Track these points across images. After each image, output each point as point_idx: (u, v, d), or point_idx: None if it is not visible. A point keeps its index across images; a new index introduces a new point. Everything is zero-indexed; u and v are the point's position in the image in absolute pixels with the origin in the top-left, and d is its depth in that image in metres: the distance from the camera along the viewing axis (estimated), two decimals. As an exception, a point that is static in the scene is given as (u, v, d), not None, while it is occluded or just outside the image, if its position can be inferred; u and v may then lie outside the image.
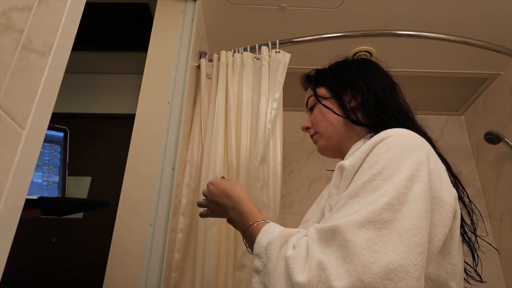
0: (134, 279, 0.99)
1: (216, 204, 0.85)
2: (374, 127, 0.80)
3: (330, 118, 0.87)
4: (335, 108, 0.86)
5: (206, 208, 0.91)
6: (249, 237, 0.71)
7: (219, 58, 1.53)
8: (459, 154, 2.24)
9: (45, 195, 0.86)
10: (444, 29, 1.62)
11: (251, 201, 0.79)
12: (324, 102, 0.88)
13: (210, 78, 1.54)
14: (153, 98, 1.36)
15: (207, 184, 0.89)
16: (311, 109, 0.93)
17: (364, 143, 0.76)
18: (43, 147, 0.89)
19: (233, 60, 1.50)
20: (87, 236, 1.87)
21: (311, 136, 0.93)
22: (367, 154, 0.64)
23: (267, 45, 1.50)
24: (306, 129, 0.94)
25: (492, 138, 1.90)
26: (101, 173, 2.06)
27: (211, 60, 1.57)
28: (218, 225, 1.24)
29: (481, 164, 2.17)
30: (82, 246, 1.85)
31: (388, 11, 1.68)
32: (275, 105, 1.38)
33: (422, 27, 1.65)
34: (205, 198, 0.89)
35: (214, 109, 1.42)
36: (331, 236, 0.56)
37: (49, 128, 0.92)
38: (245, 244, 0.76)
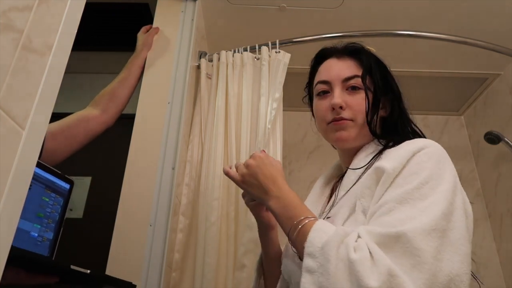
0: (134, 279, 0.99)
1: (256, 182, 0.77)
2: (380, 137, 0.81)
3: (364, 113, 0.80)
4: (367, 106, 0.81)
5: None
6: (298, 233, 0.66)
7: (219, 58, 1.53)
8: (459, 154, 2.24)
9: (35, 251, 0.81)
10: (444, 29, 1.62)
11: (295, 193, 0.75)
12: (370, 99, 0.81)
13: (210, 78, 1.54)
14: (153, 98, 1.36)
15: (256, 156, 0.80)
16: (353, 89, 0.82)
17: (376, 149, 0.78)
18: (48, 196, 0.85)
19: (233, 60, 1.51)
20: (87, 236, 1.87)
21: (340, 119, 0.80)
22: (407, 161, 0.66)
23: (267, 45, 1.50)
24: (340, 108, 0.80)
25: (492, 138, 1.90)
26: (101, 173, 2.06)
27: (211, 60, 1.57)
28: (218, 225, 1.24)
29: (481, 164, 2.17)
30: (82, 246, 1.85)
31: (388, 11, 1.68)
32: (275, 105, 1.38)
33: (422, 27, 1.65)
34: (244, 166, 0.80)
35: (214, 109, 1.42)
36: (394, 242, 0.56)
37: (58, 176, 0.88)
38: (289, 237, 0.70)
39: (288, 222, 0.69)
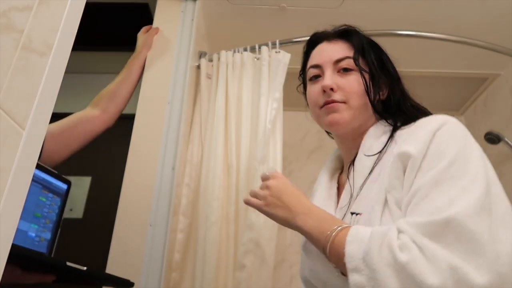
0: (134, 279, 0.99)
1: (280, 203, 0.72)
2: (387, 117, 0.79)
3: (363, 95, 0.77)
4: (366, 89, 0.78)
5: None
6: (332, 245, 0.62)
7: (219, 58, 1.53)
8: (459, 154, 2.23)
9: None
10: (444, 29, 1.62)
11: (322, 209, 0.71)
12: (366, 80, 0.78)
13: (210, 78, 1.54)
14: (153, 98, 1.36)
15: (276, 176, 0.77)
16: (345, 70, 0.80)
17: (385, 130, 0.76)
18: (45, 197, 0.84)
19: (233, 60, 1.50)
20: (87, 236, 1.87)
21: (332, 101, 0.77)
22: (430, 141, 0.62)
23: (267, 45, 1.50)
24: (331, 89, 0.77)
25: (492, 138, 1.89)
26: (101, 173, 2.06)
27: (211, 60, 1.57)
28: (218, 225, 1.24)
29: (481, 164, 2.16)
30: (82, 246, 1.85)
31: (388, 11, 1.67)
32: (275, 105, 1.38)
33: (422, 27, 1.65)
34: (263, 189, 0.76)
35: (214, 109, 1.42)
36: (443, 229, 0.52)
37: (56, 176, 0.88)
38: (324, 251, 0.64)
39: (321, 237, 0.64)
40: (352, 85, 0.78)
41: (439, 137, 0.62)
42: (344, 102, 0.77)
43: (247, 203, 0.78)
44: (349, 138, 0.81)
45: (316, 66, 0.83)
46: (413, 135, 0.66)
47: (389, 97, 0.82)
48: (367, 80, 0.78)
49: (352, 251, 0.57)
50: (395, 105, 0.80)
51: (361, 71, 0.78)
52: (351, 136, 0.80)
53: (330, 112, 0.77)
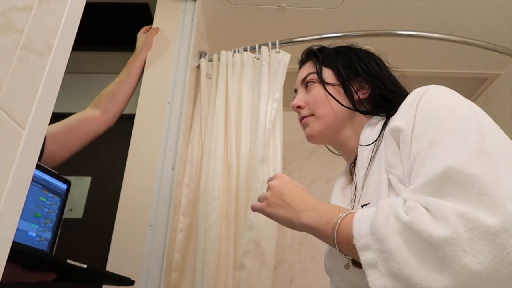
0: (134, 279, 0.99)
1: (282, 202, 0.70)
2: (374, 112, 0.80)
3: (334, 105, 0.80)
4: (341, 97, 0.81)
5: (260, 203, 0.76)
6: (340, 231, 0.59)
7: (219, 58, 1.53)
8: (459, 154, 2.23)
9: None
10: (444, 29, 1.62)
11: (325, 202, 0.70)
12: (329, 88, 0.81)
13: (210, 78, 1.54)
14: (153, 98, 1.37)
15: (278, 176, 0.76)
16: (310, 86, 0.85)
17: (378, 121, 0.76)
18: (45, 197, 0.85)
19: (233, 60, 1.50)
20: (87, 236, 1.87)
21: (303, 118, 0.84)
22: (416, 109, 0.62)
23: (267, 45, 1.50)
24: (298, 108, 0.85)
25: (492, 138, 1.89)
26: (101, 173, 2.06)
27: (211, 60, 1.57)
28: (218, 225, 1.24)
29: (481, 164, 2.16)
30: (82, 246, 1.85)
31: (388, 11, 1.68)
32: (275, 105, 1.38)
33: (422, 27, 1.65)
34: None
35: (214, 109, 1.42)
36: (443, 182, 0.51)
37: (55, 176, 0.89)
38: (336, 244, 0.60)
39: (327, 227, 0.61)
40: (315, 98, 0.83)
41: (423, 104, 0.63)
42: (312, 115, 0.83)
43: (252, 208, 0.77)
44: (342, 144, 0.83)
45: (295, 91, 0.92)
46: (399, 112, 0.68)
47: (374, 92, 0.82)
48: (327, 88, 0.82)
49: (359, 229, 0.54)
50: (380, 99, 0.81)
51: (323, 84, 0.82)
52: (340, 143, 0.83)
53: (305, 127, 0.85)
